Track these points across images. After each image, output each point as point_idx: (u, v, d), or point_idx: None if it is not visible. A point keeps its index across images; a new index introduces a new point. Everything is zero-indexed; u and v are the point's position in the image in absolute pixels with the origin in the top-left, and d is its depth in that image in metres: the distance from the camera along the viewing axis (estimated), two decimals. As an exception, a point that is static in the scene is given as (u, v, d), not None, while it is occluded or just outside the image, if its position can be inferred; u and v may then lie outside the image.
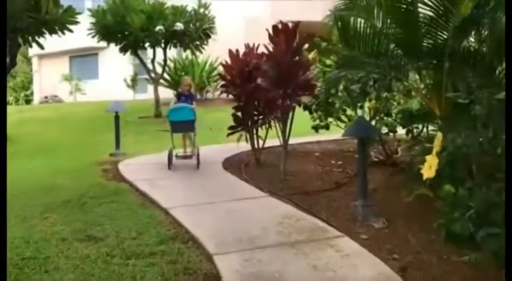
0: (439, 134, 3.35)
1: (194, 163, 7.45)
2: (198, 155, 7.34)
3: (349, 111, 7.80)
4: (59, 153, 9.74)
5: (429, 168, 3.02)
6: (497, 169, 3.17)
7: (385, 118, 7.32)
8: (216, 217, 5.02)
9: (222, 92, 8.17)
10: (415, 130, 7.01)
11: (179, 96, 7.86)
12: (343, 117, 7.83)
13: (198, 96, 17.85)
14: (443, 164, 3.14)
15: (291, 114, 7.20)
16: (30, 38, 10.48)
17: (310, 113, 7.88)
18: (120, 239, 4.45)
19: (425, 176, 3.07)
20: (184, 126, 7.42)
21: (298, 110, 7.65)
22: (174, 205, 5.37)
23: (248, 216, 5.00)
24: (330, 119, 7.87)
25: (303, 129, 8.12)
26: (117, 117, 9.10)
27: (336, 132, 7.78)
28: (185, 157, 7.58)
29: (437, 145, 3.10)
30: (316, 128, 7.96)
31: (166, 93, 15.40)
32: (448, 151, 3.15)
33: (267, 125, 7.43)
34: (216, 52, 14.82)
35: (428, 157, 3.10)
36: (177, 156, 7.50)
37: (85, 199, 5.81)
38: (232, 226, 4.71)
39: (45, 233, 4.58)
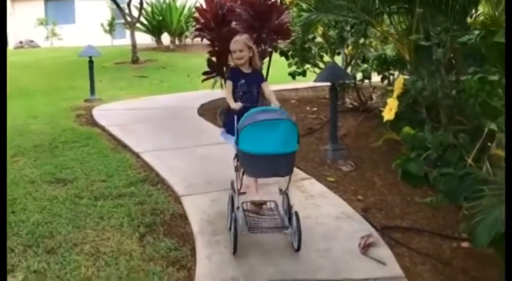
0: (400, 77, 3.36)
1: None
2: (297, 219, 3.17)
3: (326, 58, 7.74)
4: (34, 98, 9.56)
5: (389, 110, 3.05)
6: (457, 112, 3.22)
7: (361, 64, 7.28)
8: (186, 161, 5.06)
9: (195, 36, 7.83)
10: (390, 77, 7.01)
11: (235, 78, 3.68)
12: (320, 64, 7.77)
13: (177, 42, 17.53)
14: (403, 107, 3.17)
15: (267, 60, 7.14)
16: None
17: (287, 59, 7.80)
18: (90, 181, 4.48)
19: (385, 118, 3.11)
20: (274, 164, 3.16)
21: (275, 57, 7.57)
22: (146, 150, 5.38)
23: (218, 160, 5.03)
24: (307, 66, 7.81)
25: (280, 76, 8.07)
26: (91, 63, 8.90)
27: (313, 79, 7.75)
28: (260, 207, 3.55)
29: (397, 87, 3.11)
30: (293, 75, 7.91)
31: (145, 39, 15.09)
32: (409, 93, 3.18)
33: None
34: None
35: (389, 100, 3.12)
36: (247, 211, 3.44)
37: (56, 143, 5.77)
38: (202, 170, 4.76)
39: (13, 176, 4.57)
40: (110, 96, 9.03)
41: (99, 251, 3.26)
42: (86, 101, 8.62)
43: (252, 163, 3.18)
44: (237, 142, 3.17)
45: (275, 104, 3.47)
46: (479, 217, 2.22)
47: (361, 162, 5.00)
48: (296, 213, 3.18)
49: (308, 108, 7.55)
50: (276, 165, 3.11)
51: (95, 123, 6.86)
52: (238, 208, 3.32)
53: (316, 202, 4.02)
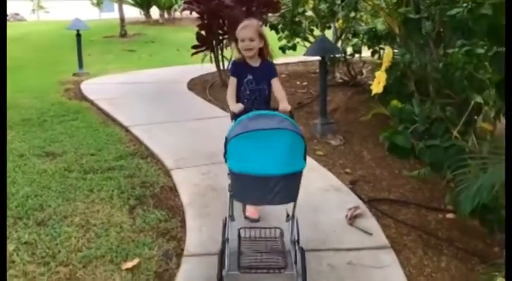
0: (388, 50, 3.37)
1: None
2: (302, 258, 2.59)
3: (316, 32, 7.70)
4: (21, 72, 9.41)
5: (378, 84, 3.06)
6: (445, 85, 3.24)
7: (351, 39, 7.26)
8: (176, 135, 5.06)
9: (184, 9, 7.71)
10: (381, 51, 7.00)
11: (240, 73, 3.11)
12: (311, 38, 7.73)
13: (166, 16, 17.28)
14: (392, 81, 3.19)
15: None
16: None
17: (277, 33, 7.74)
18: (79, 155, 4.48)
19: (373, 91, 3.13)
20: (269, 189, 2.46)
21: (265, 31, 7.51)
22: (135, 124, 5.37)
23: (209, 135, 5.05)
24: (297, 40, 7.76)
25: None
26: (78, 36, 8.77)
27: (303, 54, 7.71)
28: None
29: (386, 60, 3.12)
30: (283, 49, 7.86)
31: (133, 13, 14.86)
32: (397, 67, 3.19)
33: (233, 44, 7.29)
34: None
35: (377, 73, 3.13)
36: (243, 240, 2.91)
37: (45, 117, 5.74)
38: (192, 144, 4.77)
39: (2, 150, 4.56)
40: (98, 70, 8.93)
41: (89, 223, 3.29)
42: (74, 75, 8.52)
43: (241, 186, 2.48)
44: (224, 157, 2.51)
45: (284, 107, 2.78)
46: (462, 186, 2.27)
47: (350, 136, 5.04)
48: (302, 250, 2.57)
49: (298, 82, 7.55)
50: (271, 190, 2.38)
51: (83, 97, 6.81)
52: (228, 239, 2.73)
53: (305, 175, 4.04)
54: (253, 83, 3.05)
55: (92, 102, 6.45)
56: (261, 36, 3.05)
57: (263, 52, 3.08)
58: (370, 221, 3.33)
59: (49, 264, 2.83)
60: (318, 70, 8.10)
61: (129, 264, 2.84)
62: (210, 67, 7.56)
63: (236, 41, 3.08)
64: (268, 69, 3.08)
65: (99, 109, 6.13)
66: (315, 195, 3.67)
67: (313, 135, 5.07)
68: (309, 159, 4.43)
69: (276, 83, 3.06)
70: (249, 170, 2.37)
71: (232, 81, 3.07)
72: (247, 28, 3.03)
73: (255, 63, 3.08)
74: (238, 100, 3.02)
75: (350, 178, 4.10)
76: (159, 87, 7.50)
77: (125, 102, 6.47)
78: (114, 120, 5.61)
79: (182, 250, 2.98)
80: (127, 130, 5.21)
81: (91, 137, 4.98)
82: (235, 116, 2.71)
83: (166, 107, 6.28)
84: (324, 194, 3.73)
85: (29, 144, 4.75)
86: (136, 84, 7.71)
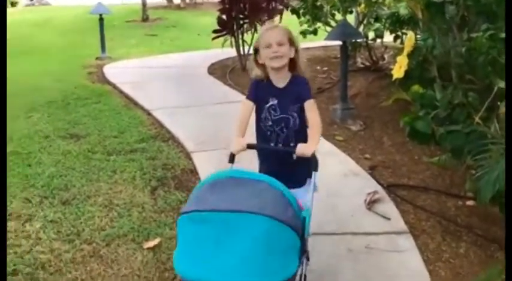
0: (410, 34, 3.33)
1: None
2: None
3: (338, 16, 7.61)
4: (46, 55, 9.58)
5: (399, 68, 3.04)
6: (468, 70, 3.20)
7: (373, 23, 7.16)
8: (197, 119, 5.11)
9: None
10: (403, 36, 6.90)
11: (259, 96, 2.37)
12: (332, 23, 7.65)
13: (187, 0, 17.26)
14: (413, 66, 3.16)
15: (278, 18, 7.06)
16: None
17: (298, 17, 7.69)
18: (102, 137, 4.56)
19: (395, 76, 3.10)
20: None
21: (286, 16, 7.47)
22: (157, 107, 5.44)
23: (229, 119, 5.03)
24: (318, 24, 7.70)
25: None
26: (101, 20, 8.85)
27: (324, 38, 7.66)
28: None
29: (408, 45, 3.09)
30: (304, 34, 7.81)
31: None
32: (419, 51, 3.16)
33: (253, 29, 7.28)
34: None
35: (399, 58, 3.11)
36: None
37: (69, 99, 5.85)
38: (213, 128, 4.81)
39: (28, 131, 4.68)
40: (121, 54, 9.02)
41: (112, 203, 3.37)
42: (97, 58, 8.62)
43: None
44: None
45: (301, 151, 2.12)
46: (483, 172, 2.26)
47: (370, 122, 5.02)
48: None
49: (318, 67, 7.50)
50: None
51: (106, 81, 6.90)
52: None
53: (324, 159, 4.06)
54: (277, 110, 2.27)
55: (114, 86, 6.54)
56: (292, 42, 2.28)
57: (294, 65, 2.30)
58: (388, 207, 3.34)
59: (74, 241, 2.92)
60: (339, 55, 8.05)
61: (151, 243, 2.91)
62: (230, 52, 7.57)
63: (256, 51, 2.30)
64: (299, 90, 2.27)
65: (121, 93, 6.21)
66: (333, 180, 3.69)
67: (333, 120, 5.07)
68: (328, 144, 4.47)
69: (310, 109, 2.24)
70: (196, 278, 1.57)
71: (246, 106, 2.32)
72: (274, 30, 2.29)
73: (282, 82, 2.29)
74: (257, 133, 2.35)
75: (369, 163, 4.10)
76: (180, 71, 7.54)
77: (147, 86, 6.54)
78: (136, 103, 5.69)
79: (202, 230, 3.04)
80: (149, 113, 5.28)
81: (114, 119, 5.07)
82: (233, 158, 2.12)
83: (187, 91, 6.33)
84: (343, 178, 3.74)
85: (54, 126, 4.85)
86: (157, 68, 7.77)
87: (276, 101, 2.28)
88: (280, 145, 2.31)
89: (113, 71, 7.47)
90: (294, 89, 2.28)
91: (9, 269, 2.63)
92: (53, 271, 2.67)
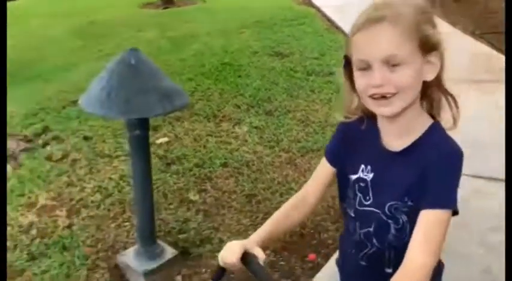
0: None
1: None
2: None
3: None
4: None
5: None
6: None
7: None
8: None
9: None
10: None
11: (343, 152, 1.23)
12: None
13: None
14: None
15: None
16: None
17: None
18: (303, 57, 4.78)
19: None
20: None
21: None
22: (358, 32, 5.40)
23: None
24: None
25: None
26: None
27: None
28: None
29: None
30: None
31: None
32: None
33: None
34: None
35: None
36: None
37: (275, 20, 6.15)
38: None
39: (240, 46, 5.13)
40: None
41: (308, 119, 3.61)
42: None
43: None
44: None
45: None
46: None
47: None
48: None
49: None
50: None
51: (310, 4, 7.04)
52: None
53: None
54: (369, 190, 1.17)
55: (318, 9, 6.65)
56: (428, 47, 1.07)
57: (431, 96, 1.15)
58: None
59: (273, 148, 3.26)
60: None
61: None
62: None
63: (347, 61, 1.12)
64: (426, 163, 1.06)
65: (324, 16, 6.30)
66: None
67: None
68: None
69: (425, 219, 1.04)
70: None
71: (321, 169, 1.29)
72: (376, 27, 1.06)
73: (397, 138, 1.13)
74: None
75: None
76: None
77: (349, 10, 6.46)
78: (337, 27, 5.74)
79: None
80: (349, 38, 5.30)
81: (315, 41, 5.23)
82: (220, 274, 1.16)
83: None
84: None
85: (261, 43, 5.22)
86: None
87: (371, 175, 1.17)
88: (364, 264, 1.22)
89: (318, -6, 7.53)
90: (420, 158, 1.08)
91: (220, 161, 3.09)
92: (255, 169, 3.04)
